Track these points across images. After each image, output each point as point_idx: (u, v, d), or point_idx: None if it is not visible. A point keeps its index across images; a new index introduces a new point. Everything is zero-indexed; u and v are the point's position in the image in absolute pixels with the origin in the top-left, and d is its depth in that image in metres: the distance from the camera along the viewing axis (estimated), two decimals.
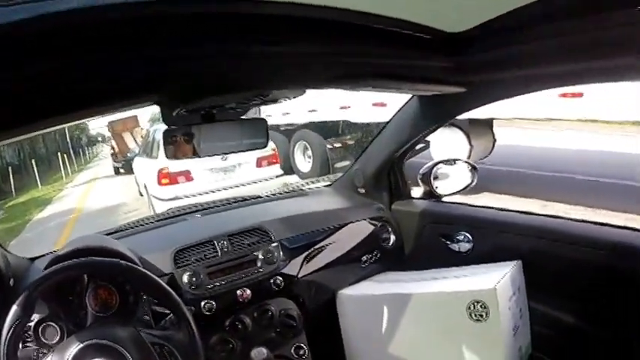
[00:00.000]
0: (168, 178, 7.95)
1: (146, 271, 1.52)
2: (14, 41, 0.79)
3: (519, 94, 1.85)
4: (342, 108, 9.66)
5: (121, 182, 17.51)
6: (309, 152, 10.73)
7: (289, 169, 10.90)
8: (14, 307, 1.31)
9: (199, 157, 1.53)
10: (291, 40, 1.20)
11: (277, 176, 8.74)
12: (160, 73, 1.13)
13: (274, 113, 11.15)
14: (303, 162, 11.01)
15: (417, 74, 1.62)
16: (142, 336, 1.39)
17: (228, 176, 8.38)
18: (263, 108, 11.03)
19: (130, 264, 1.51)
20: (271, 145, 8.89)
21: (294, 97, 1.54)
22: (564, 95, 6.26)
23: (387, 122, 2.37)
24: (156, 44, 1.02)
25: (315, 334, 2.13)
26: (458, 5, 1.21)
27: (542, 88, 1.74)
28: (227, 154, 1.75)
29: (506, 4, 1.16)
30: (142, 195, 10.06)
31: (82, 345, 1.30)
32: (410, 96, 2.17)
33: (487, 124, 7.92)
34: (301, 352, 2.05)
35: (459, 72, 1.63)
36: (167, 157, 1.54)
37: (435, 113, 2.14)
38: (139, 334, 1.39)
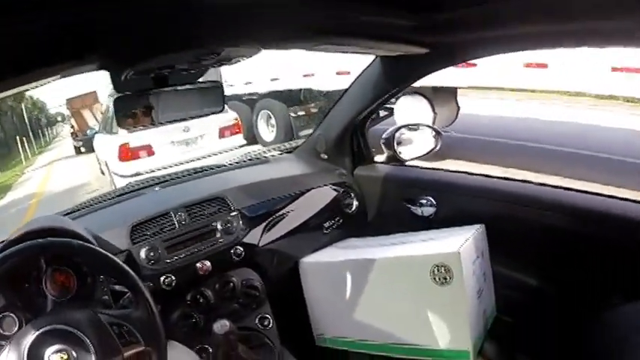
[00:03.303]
0: (129, 153, 7.84)
1: (99, 249, 1.45)
2: None
3: (483, 56, 1.82)
4: (305, 76, 9.64)
5: (82, 162, 17.33)
6: (273, 121, 10.72)
7: (253, 138, 10.84)
8: None
9: (154, 125, 1.48)
10: None
11: (240, 146, 8.69)
12: (98, 31, 1.05)
13: (236, 82, 11.18)
14: (267, 131, 10.99)
15: (379, 32, 1.57)
16: (100, 317, 1.32)
17: (191, 148, 8.30)
18: (224, 77, 11.01)
19: (82, 243, 1.43)
20: (233, 114, 8.96)
21: (250, 56, 1.47)
22: (529, 65, 6.31)
23: (349, 86, 2.32)
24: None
25: (279, 304, 2.10)
26: None
27: (505, 51, 1.72)
28: (182, 120, 1.68)
29: None
30: (103, 173, 9.87)
31: (38, 332, 1.23)
32: (372, 59, 2.12)
33: (451, 92, 7.97)
34: (266, 322, 2.02)
35: (423, 31, 1.59)
36: (119, 126, 1.49)
37: (397, 75, 2.10)
38: (97, 315, 1.32)
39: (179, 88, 1.50)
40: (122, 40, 1.13)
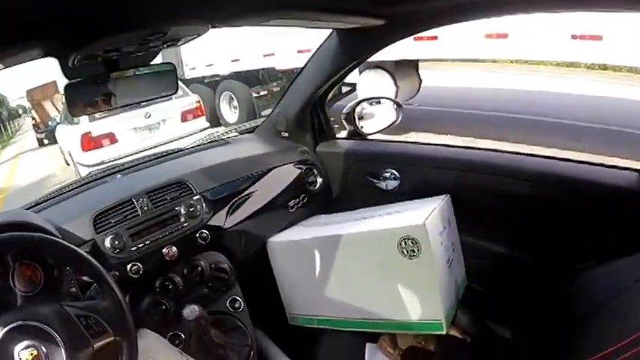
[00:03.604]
0: (91, 142, 7.75)
1: (62, 241, 1.42)
2: None
3: (440, 25, 1.82)
4: (266, 56, 9.62)
5: (46, 154, 16.99)
6: (235, 102, 10.73)
7: (216, 121, 10.82)
8: None
9: (106, 110, 1.44)
10: None
11: (204, 129, 8.63)
12: (39, 15, 1.00)
13: (198, 65, 11.18)
14: (230, 113, 11.00)
15: (334, 5, 1.55)
16: (67, 310, 1.29)
17: (154, 134, 8.26)
18: (185, 60, 10.95)
19: (45, 236, 1.40)
20: (195, 97, 8.99)
21: (198, 36, 1.43)
22: (490, 36, 6.36)
23: (307, 62, 2.29)
24: None
25: (249, 285, 2.08)
26: None
27: (461, 20, 1.71)
28: (135, 104, 1.65)
29: None
30: (68, 164, 9.71)
31: (5, 329, 1.20)
32: (329, 33, 2.10)
33: (412, 65, 8.03)
34: (237, 304, 1.99)
35: (379, 3, 1.58)
36: (71, 114, 1.46)
37: (354, 49, 2.08)
38: (63, 308, 1.29)
39: (131, 72, 1.47)
40: (64, 24, 1.09)
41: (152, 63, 1.57)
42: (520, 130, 6.97)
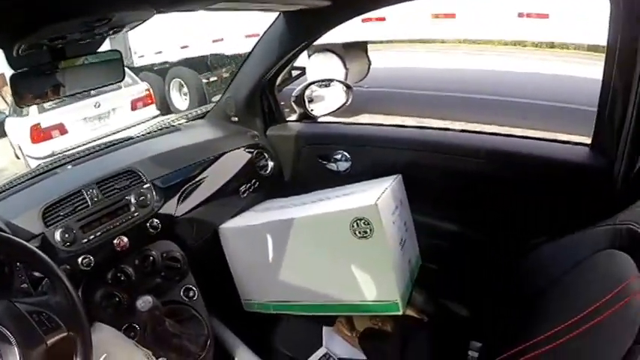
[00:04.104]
0: (41, 134, 7.66)
1: (10, 236, 1.37)
2: None
3: (385, 5, 1.82)
4: (214, 41, 9.59)
5: None
6: (185, 89, 10.61)
7: (167, 108, 10.66)
8: None
9: (54, 99, 1.41)
10: None
11: (154, 117, 8.59)
12: None
13: (147, 53, 11.05)
14: (180, 100, 10.86)
15: None
16: (18, 307, 1.27)
17: (104, 123, 8.21)
18: (134, 48, 10.78)
19: None
20: (144, 85, 8.97)
21: (143, 21, 1.42)
22: (437, 16, 6.40)
23: (254, 46, 2.27)
24: None
25: (203, 273, 2.06)
26: None
27: (402, 0, 1.71)
28: (82, 92, 1.62)
29: None
30: (18, 157, 9.43)
31: None
32: (275, 16, 2.09)
33: (361, 47, 8.09)
34: (191, 293, 1.97)
35: None
36: (17, 104, 1.43)
37: (301, 31, 2.07)
38: (14, 305, 1.27)
39: (79, 61, 1.44)
40: (5, 12, 1.07)
41: (99, 51, 1.55)
42: (469, 109, 7.05)
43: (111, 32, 1.40)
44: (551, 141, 1.83)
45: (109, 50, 1.58)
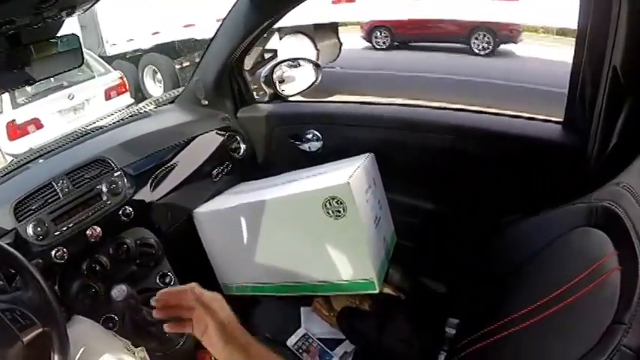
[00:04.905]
0: (17, 130, 7.53)
1: None
2: None
3: None
4: (186, 26, 9.59)
5: None
6: (159, 76, 10.57)
7: (142, 96, 10.55)
8: None
9: (15, 88, 1.38)
10: None
11: (129, 105, 8.40)
12: None
13: (119, 41, 10.93)
14: (154, 86, 10.82)
15: None
16: None
17: (80, 115, 8.08)
18: (105, 37, 10.71)
19: None
20: (117, 74, 8.86)
21: (96, 2, 1.38)
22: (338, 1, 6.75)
23: (219, 26, 2.26)
24: None
25: (179, 259, 2.04)
26: None
27: None
28: (41, 79, 1.56)
29: None
30: None
31: None
32: None
33: (332, 28, 8.22)
34: (167, 279, 1.95)
35: None
36: None
37: (265, 8, 2.05)
38: None
39: (35, 47, 1.40)
40: None
41: (57, 36, 1.51)
42: (438, 90, 7.22)
43: (64, 14, 1.35)
44: (523, 118, 1.82)
45: (66, 35, 1.53)
